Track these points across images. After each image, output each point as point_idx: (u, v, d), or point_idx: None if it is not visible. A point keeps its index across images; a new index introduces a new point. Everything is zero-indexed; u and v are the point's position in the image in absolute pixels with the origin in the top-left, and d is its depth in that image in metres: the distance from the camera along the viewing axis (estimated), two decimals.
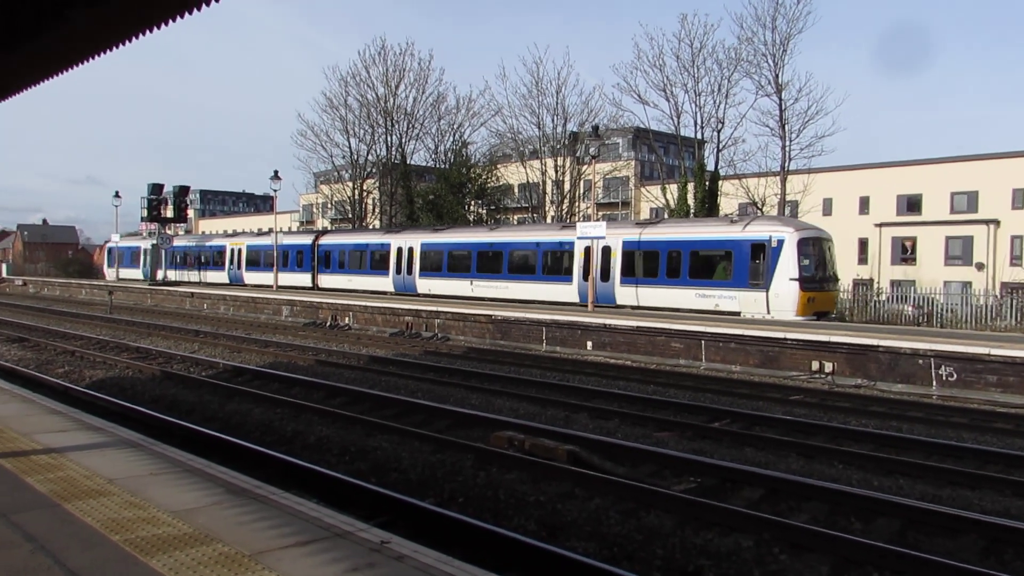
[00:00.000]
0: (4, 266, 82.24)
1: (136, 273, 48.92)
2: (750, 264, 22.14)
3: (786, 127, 33.03)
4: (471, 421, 11.39)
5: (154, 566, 3.77)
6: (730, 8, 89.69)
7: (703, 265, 23.49)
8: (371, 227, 46.94)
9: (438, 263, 31.86)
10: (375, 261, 34.90)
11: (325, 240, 39.01)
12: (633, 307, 24.91)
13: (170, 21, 6.10)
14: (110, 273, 55.53)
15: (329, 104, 48.23)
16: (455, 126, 47.48)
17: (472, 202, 45.53)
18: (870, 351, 16.37)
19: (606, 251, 25.56)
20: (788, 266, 21.42)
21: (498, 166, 46.49)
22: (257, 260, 41.98)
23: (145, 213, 47.74)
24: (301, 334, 25.39)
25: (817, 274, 22.26)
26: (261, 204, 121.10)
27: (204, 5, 5.54)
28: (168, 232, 48.59)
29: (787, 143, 33.08)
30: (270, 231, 42.52)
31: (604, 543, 6.67)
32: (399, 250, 33.57)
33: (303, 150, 77.42)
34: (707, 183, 34.51)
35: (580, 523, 7.14)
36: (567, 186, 43.38)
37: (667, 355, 19.50)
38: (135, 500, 4.82)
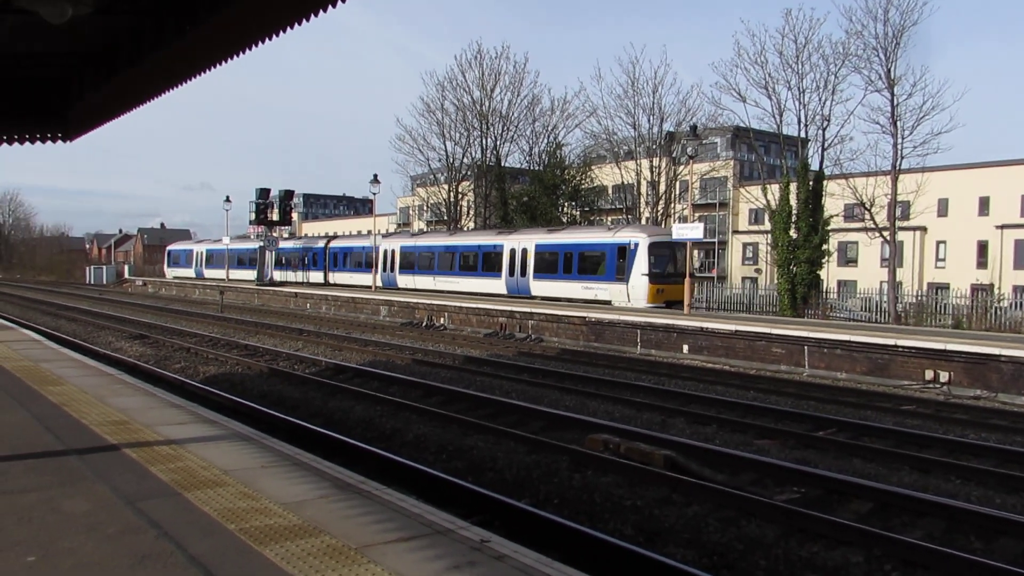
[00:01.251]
0: (127, 267, 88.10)
1: (247, 274, 51.50)
2: (617, 263, 27.61)
3: (898, 124, 31.34)
4: (565, 423, 11.37)
5: (267, 555, 3.94)
6: (838, 2, 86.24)
7: (587, 264, 29.18)
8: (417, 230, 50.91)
9: (424, 263, 38.14)
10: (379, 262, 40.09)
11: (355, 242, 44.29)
12: (543, 298, 29.94)
13: (281, 32, 6.37)
14: (168, 273, 65.35)
15: (426, 108, 49.26)
16: (549, 128, 47.57)
17: (566, 203, 45.45)
18: (991, 360, 15.36)
19: (524, 252, 31.43)
20: (641, 264, 26.91)
21: (592, 167, 46.22)
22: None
23: (253, 216, 50.06)
24: (399, 334, 26.01)
25: (665, 270, 27.50)
26: (361, 207, 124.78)
27: (313, 15, 5.75)
28: (274, 235, 50.75)
29: (899, 141, 31.39)
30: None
31: (703, 551, 6.53)
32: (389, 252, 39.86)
33: (401, 154, 79.15)
34: (811, 183, 33.19)
35: (678, 529, 7.01)
36: (662, 187, 42.71)
37: (767, 360, 18.89)
38: (248, 491, 5.05)
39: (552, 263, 30.44)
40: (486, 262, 33.66)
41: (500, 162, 47.42)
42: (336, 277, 44.41)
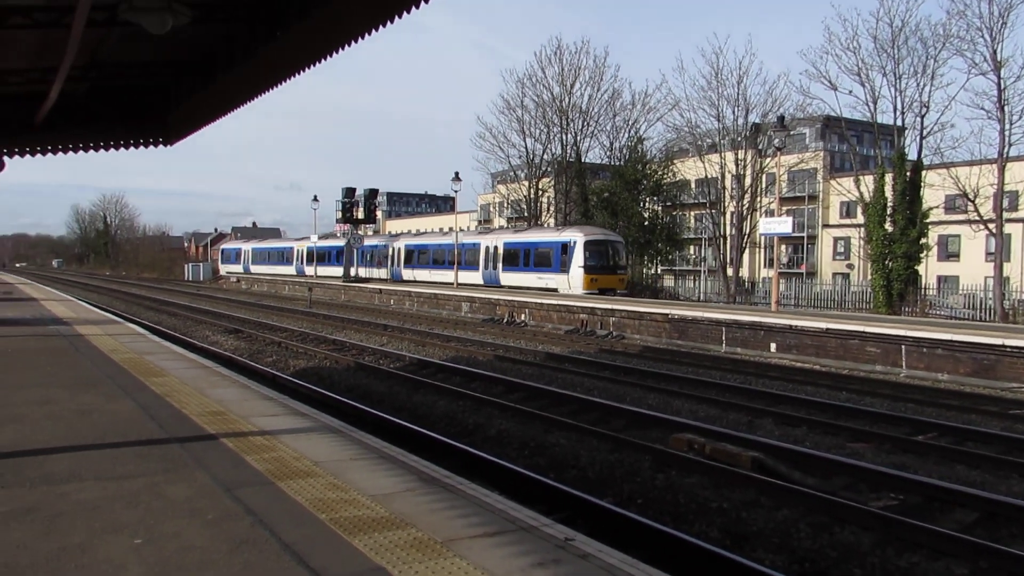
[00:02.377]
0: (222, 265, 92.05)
1: (332, 271, 53.08)
2: (561, 257, 33.68)
3: (1006, 108, 29.54)
4: (648, 421, 11.22)
5: (356, 545, 4.03)
6: None
7: (540, 258, 35.15)
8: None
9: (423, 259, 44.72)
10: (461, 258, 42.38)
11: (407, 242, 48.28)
12: (510, 287, 36.22)
13: (365, 35, 6.50)
14: (222, 268, 73.19)
15: (506, 106, 49.48)
16: (630, 122, 47.01)
17: (647, 199, 44.86)
18: None
19: (496, 249, 38.11)
20: (579, 258, 32.77)
21: (674, 161, 45.45)
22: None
23: (339, 215, 51.46)
24: (480, 330, 26.24)
25: (599, 263, 33.03)
26: (442, 204, 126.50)
27: (397, 17, 5.85)
28: (359, 232, 52.03)
29: (1007, 126, 29.56)
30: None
31: (794, 557, 6.32)
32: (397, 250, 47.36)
33: (481, 151, 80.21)
34: (908, 174, 31.70)
35: (767, 534, 6.81)
36: (748, 180, 41.59)
37: (861, 360, 18.15)
38: (338, 483, 5.19)
39: (516, 257, 36.97)
40: (469, 257, 40.01)
41: (580, 158, 47.19)
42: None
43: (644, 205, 44.76)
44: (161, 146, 13.65)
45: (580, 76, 46.58)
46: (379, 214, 66.60)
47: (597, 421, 11.28)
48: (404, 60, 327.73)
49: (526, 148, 49.14)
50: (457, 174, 41.41)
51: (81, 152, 13.43)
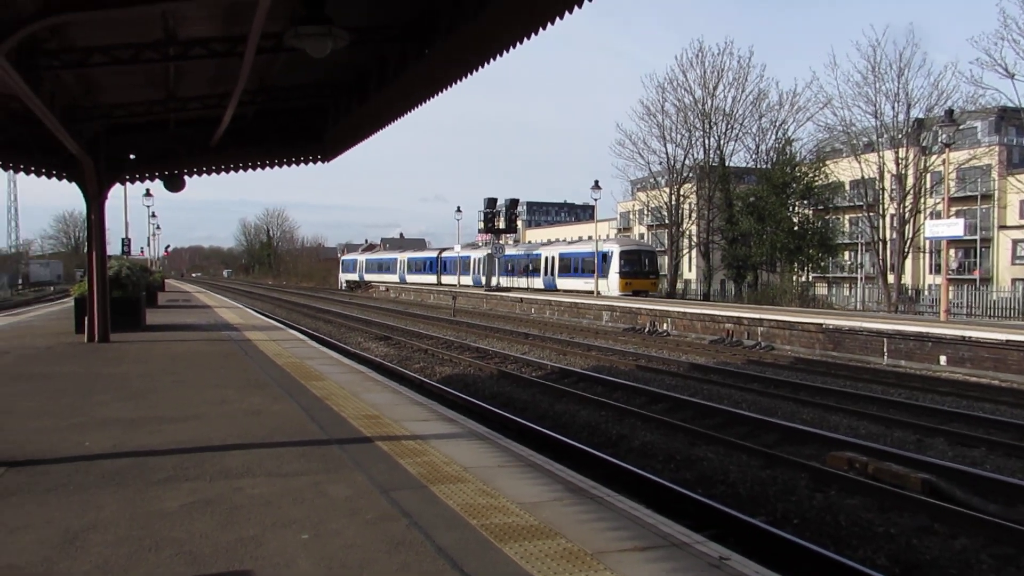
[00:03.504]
0: (342, 274, 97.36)
1: (469, 280, 54.96)
2: (603, 265, 40.05)
3: None
4: (802, 437, 10.66)
5: (507, 552, 4.06)
6: None
7: (586, 266, 41.93)
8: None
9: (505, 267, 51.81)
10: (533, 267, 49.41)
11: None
12: (564, 290, 42.86)
13: (515, 45, 6.60)
14: (341, 277, 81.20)
15: (646, 112, 48.82)
16: (777, 123, 45.08)
17: (797, 202, 42.78)
18: None
19: (553, 259, 45.98)
20: (616, 266, 39.46)
21: (826, 162, 43.07)
22: (568, 267, 48.01)
23: (481, 225, 52.72)
24: (621, 339, 25.98)
25: (633, 270, 39.41)
26: (581, 213, 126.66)
27: (550, 24, 5.90)
28: (500, 242, 53.03)
29: None
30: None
31: None
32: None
33: (621, 159, 79.60)
34: None
35: (942, 564, 6.27)
36: (910, 180, 38.71)
37: None
38: (487, 489, 5.27)
39: (567, 266, 44.39)
40: (534, 266, 47.83)
41: (724, 162, 45.77)
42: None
43: (793, 209, 42.72)
44: (320, 162, 14.53)
45: (723, 78, 45.23)
46: (519, 223, 67.72)
47: (746, 435, 10.85)
48: (544, 70, 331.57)
49: (667, 154, 48.27)
50: (597, 182, 41.43)
51: (249, 170, 14.54)
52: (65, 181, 14.20)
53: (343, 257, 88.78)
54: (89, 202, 14.37)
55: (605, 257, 40.13)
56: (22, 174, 13.60)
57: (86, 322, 15.06)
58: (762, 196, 41.95)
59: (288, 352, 13.93)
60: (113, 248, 33.06)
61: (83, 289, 16.48)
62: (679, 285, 50.55)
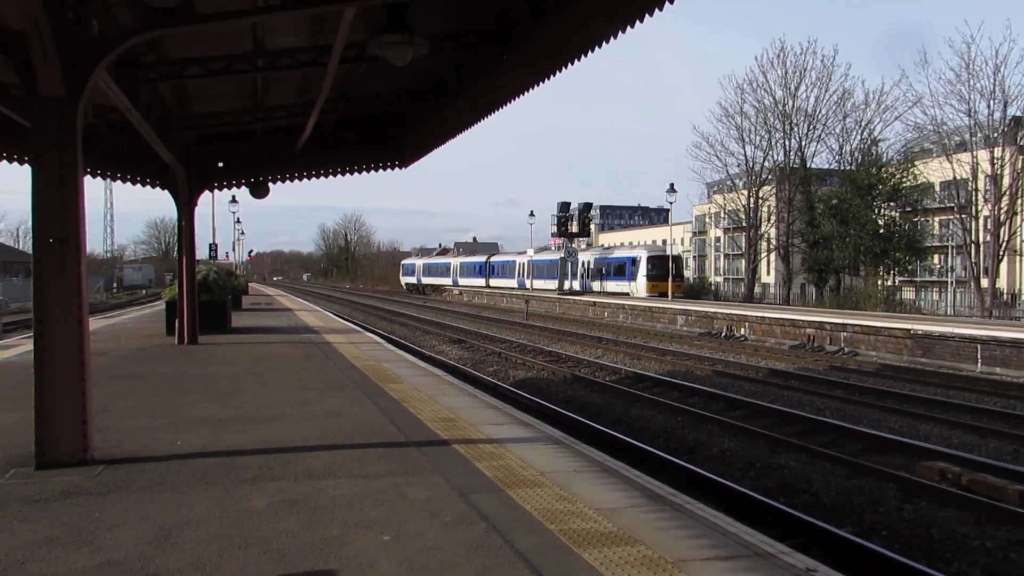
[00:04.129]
0: (403, 277, 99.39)
1: (514, 283, 55.68)
2: (631, 269, 45.40)
3: None
4: (890, 446, 10.26)
5: (587, 559, 4.04)
6: None
7: (617, 271, 47.32)
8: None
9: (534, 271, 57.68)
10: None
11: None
12: (595, 291, 48.30)
13: (596, 48, 6.57)
14: (402, 280, 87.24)
15: (724, 113, 47.99)
16: (863, 123, 43.50)
17: (883, 204, 41.14)
18: None
19: (588, 263, 50.79)
20: (643, 270, 44.33)
21: (915, 163, 41.32)
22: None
23: (554, 229, 52.79)
24: (696, 344, 25.53)
25: (657, 274, 43.49)
26: (655, 216, 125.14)
27: (630, 27, 5.86)
28: (573, 246, 52.91)
29: None
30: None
31: None
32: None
33: (697, 161, 78.35)
34: None
35: None
36: (1006, 181, 36.76)
37: None
38: (564, 494, 5.25)
39: (599, 270, 49.43)
40: (573, 271, 51.89)
41: (805, 163, 44.47)
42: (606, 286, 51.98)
43: (879, 211, 41.12)
44: (397, 168, 14.79)
45: (805, 78, 44.01)
46: (592, 227, 67.53)
47: (830, 444, 10.49)
48: (619, 72, 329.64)
49: (745, 156, 47.28)
50: (672, 185, 40.97)
51: (330, 176, 14.94)
52: (159, 189, 14.89)
53: (403, 262, 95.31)
54: (180, 209, 15.02)
55: (634, 262, 45.70)
56: (119, 182, 14.31)
57: (176, 324, 15.74)
58: (846, 198, 40.54)
59: (366, 355, 14.22)
60: (201, 253, 34.50)
61: (174, 293, 17.23)
62: (756, 289, 49.35)
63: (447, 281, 74.35)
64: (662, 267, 43.82)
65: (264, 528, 4.51)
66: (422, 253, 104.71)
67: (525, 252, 61.91)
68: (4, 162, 11.39)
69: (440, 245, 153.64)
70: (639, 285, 44.14)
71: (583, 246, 62.05)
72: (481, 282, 65.87)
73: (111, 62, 6.11)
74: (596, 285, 48.98)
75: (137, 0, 6.08)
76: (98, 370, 6.28)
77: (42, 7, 5.25)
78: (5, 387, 10.19)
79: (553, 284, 52.47)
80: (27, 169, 11.75)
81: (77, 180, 5.77)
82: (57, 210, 5.70)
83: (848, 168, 43.06)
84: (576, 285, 52.05)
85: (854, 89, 54.07)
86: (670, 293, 42.09)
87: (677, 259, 46.40)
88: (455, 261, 75.19)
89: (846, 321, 23.80)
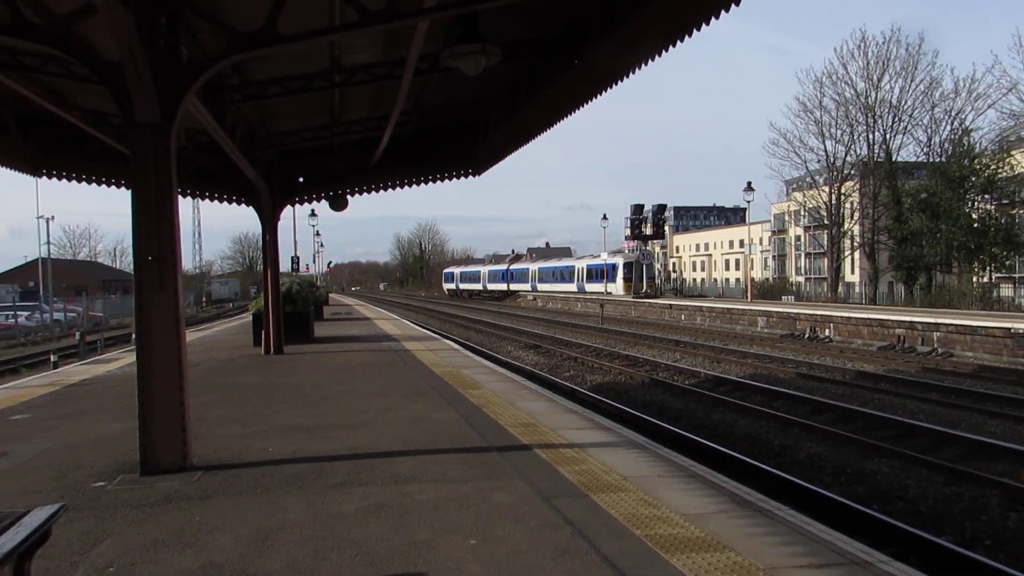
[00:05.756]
0: (445, 284, 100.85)
1: (611, 287, 55.56)
2: (611, 272, 54.72)
3: None
4: (992, 451, 9.75)
5: (675, 564, 3.99)
6: None
7: (602, 274, 56.24)
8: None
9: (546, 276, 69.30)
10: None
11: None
12: (590, 292, 56.49)
13: (670, 48, 6.51)
14: (445, 287, 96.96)
15: (802, 108, 46.70)
16: (952, 113, 41.58)
17: (977, 197, 39.12)
18: None
19: (583, 268, 60.67)
20: (619, 273, 53.52)
21: (1012, 152, 39.20)
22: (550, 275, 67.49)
23: (628, 232, 52.41)
24: (778, 346, 24.84)
25: (632, 275, 51.85)
26: (731, 216, 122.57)
27: (696, 30, 5.78)
28: (648, 249, 52.35)
29: None
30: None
31: None
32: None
33: (775, 158, 76.48)
34: None
35: None
36: None
37: None
38: (648, 499, 5.20)
39: (591, 274, 58.27)
40: (569, 274, 62.94)
41: (891, 157, 42.79)
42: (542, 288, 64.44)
43: (973, 205, 39.15)
44: (472, 176, 14.93)
45: (889, 68, 42.42)
46: (667, 228, 66.64)
47: (926, 449, 10.05)
48: (691, 71, 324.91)
49: (825, 151, 45.87)
50: (749, 184, 40.04)
51: (406, 187, 15.21)
52: (244, 205, 15.49)
53: (444, 270, 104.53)
54: (264, 224, 15.58)
55: (612, 267, 55.15)
56: (207, 200, 14.97)
57: (263, 335, 16.31)
58: (936, 191, 38.78)
59: (444, 361, 14.41)
60: (283, 266, 35.64)
61: (259, 305, 17.87)
62: (840, 289, 47.69)
63: (476, 287, 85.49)
64: (635, 270, 51.76)
65: (355, 531, 4.63)
66: (495, 260, 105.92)
67: (579, 256, 68.91)
68: (104, 186, 12.07)
69: (513, 251, 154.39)
70: (617, 284, 53.09)
71: (658, 248, 61.51)
72: (503, 287, 76.16)
73: (199, 87, 6.40)
74: (589, 287, 58.16)
75: (222, 25, 6.36)
76: (192, 381, 6.58)
77: (136, 36, 5.55)
78: (110, 398, 10.77)
79: (600, 287, 58.19)
80: (121, 192, 12.45)
81: (173, 201, 6.07)
82: (155, 230, 6.00)
83: (938, 160, 41.24)
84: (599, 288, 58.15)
85: (942, 77, 51.86)
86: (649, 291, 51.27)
87: (643, 264, 52.37)
88: (484, 269, 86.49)
89: (939, 320, 22.75)
